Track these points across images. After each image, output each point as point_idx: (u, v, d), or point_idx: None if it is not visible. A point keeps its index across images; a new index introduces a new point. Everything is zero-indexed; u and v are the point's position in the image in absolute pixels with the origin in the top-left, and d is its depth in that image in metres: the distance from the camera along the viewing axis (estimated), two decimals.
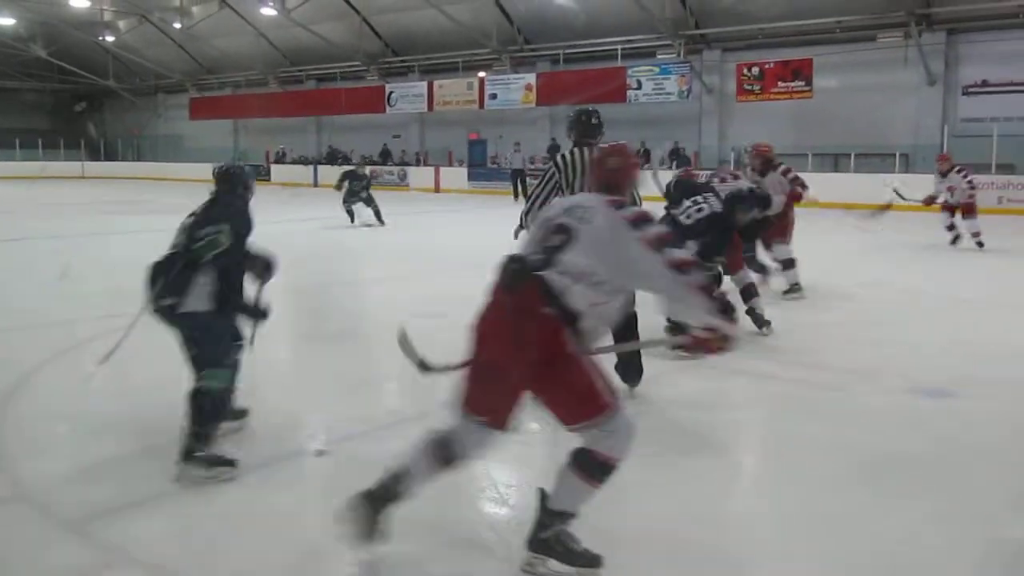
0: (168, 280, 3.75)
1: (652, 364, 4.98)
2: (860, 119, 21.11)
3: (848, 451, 4.13)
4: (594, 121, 5.04)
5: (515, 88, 26.76)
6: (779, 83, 21.83)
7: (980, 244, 11.64)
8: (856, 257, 11.32)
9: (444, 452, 2.89)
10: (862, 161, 21.01)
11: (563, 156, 4.98)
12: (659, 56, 24.15)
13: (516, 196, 22.02)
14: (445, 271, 9.99)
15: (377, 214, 14.88)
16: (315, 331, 6.84)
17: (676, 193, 6.51)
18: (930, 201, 12.17)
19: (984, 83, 20.25)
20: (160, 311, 3.81)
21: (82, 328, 6.43)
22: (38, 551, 3.10)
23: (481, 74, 27.64)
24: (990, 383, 5.30)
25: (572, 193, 4.68)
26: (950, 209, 12.02)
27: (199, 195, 4.12)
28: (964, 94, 20.61)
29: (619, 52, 24.85)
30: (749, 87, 22.39)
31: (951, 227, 12.02)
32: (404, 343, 3.05)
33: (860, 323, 7.25)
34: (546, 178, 4.97)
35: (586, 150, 4.91)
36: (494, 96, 27.23)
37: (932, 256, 11.63)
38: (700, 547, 3.15)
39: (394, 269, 10.29)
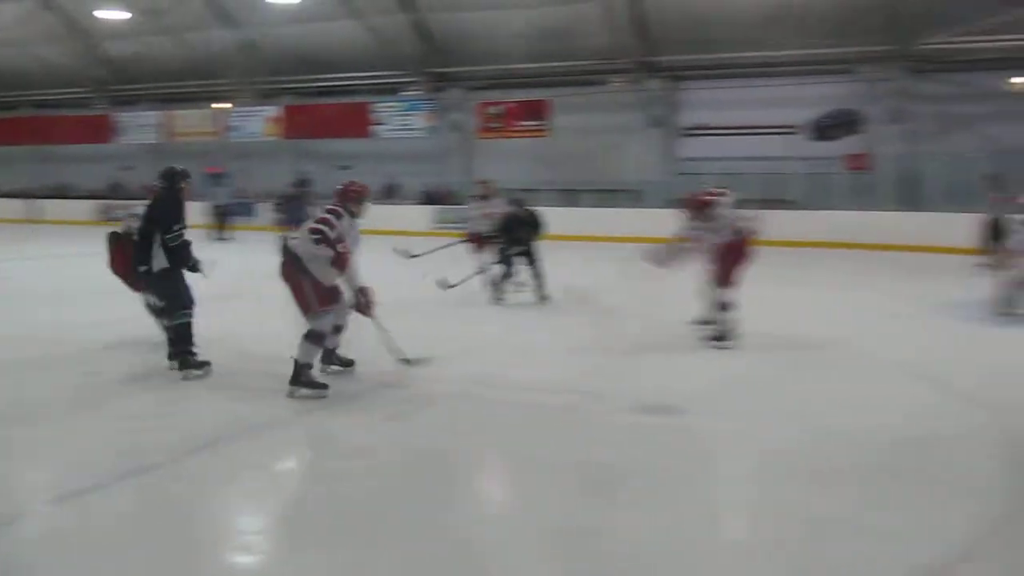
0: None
1: None
2: (594, 157, 22.11)
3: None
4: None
5: (257, 121, 25.78)
6: (519, 122, 22.43)
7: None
8: None
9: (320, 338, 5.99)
10: (596, 196, 22.00)
11: None
12: (402, 93, 24.15)
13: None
14: None
15: None
16: None
17: None
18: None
19: (703, 126, 21.72)
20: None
21: None
22: None
23: (226, 105, 26.32)
24: None
25: None
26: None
27: None
28: (685, 135, 22.07)
29: (362, 87, 24.61)
30: (491, 125, 22.84)
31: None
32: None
33: None
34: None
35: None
36: (236, 128, 26.07)
37: None
38: None
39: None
